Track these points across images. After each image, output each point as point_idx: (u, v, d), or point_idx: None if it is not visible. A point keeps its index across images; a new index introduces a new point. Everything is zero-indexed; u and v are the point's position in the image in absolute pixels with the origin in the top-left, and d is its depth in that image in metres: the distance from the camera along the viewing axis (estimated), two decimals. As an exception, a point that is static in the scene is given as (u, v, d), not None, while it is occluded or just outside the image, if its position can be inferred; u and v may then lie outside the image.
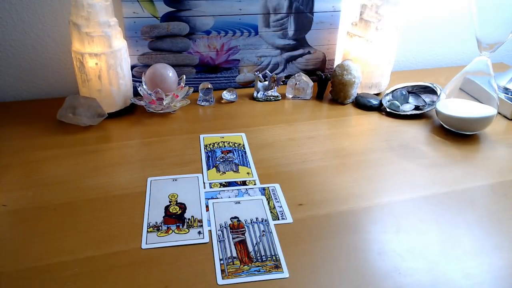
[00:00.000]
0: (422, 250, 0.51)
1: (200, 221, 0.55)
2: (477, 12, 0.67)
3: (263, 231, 0.54)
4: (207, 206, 0.58)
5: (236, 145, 0.72)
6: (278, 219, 0.56)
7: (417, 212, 0.58)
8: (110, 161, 0.67)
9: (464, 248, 0.52)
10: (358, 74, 0.84)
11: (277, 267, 0.49)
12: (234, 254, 0.50)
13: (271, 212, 0.57)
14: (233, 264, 0.49)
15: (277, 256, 0.50)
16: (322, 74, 0.88)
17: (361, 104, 0.85)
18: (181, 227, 0.54)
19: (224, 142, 0.72)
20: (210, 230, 0.53)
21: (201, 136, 0.74)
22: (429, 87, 0.85)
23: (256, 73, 0.90)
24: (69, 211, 0.56)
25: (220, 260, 0.49)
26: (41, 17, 0.81)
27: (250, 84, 0.93)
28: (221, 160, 0.68)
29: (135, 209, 0.57)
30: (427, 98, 0.85)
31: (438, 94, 0.82)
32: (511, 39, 0.68)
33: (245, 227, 0.54)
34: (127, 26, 0.82)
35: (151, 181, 0.62)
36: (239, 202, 0.59)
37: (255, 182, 0.63)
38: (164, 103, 0.78)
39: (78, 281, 0.46)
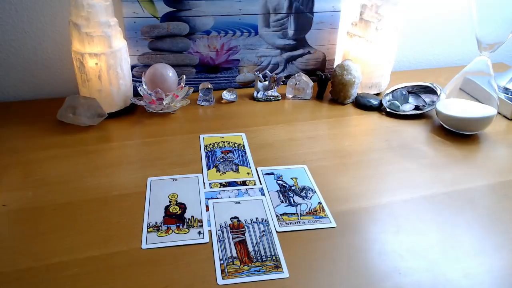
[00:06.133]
0: (422, 250, 0.52)
1: (200, 221, 0.55)
2: (477, 12, 0.68)
3: (263, 231, 0.54)
4: (207, 206, 0.58)
5: (236, 145, 0.72)
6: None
7: (417, 212, 0.58)
8: (110, 161, 0.67)
9: (464, 248, 0.52)
10: (358, 74, 0.84)
11: (277, 267, 0.49)
12: (234, 254, 0.50)
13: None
14: (233, 264, 0.49)
15: (277, 256, 0.50)
16: (322, 74, 0.88)
17: (361, 104, 0.85)
18: (181, 227, 0.54)
19: (224, 142, 0.72)
20: (210, 230, 0.53)
21: (201, 136, 0.74)
22: (429, 87, 0.85)
23: (256, 73, 0.90)
24: (69, 211, 0.56)
25: (220, 260, 0.49)
26: (41, 17, 0.81)
27: (250, 84, 0.93)
28: (221, 160, 0.68)
29: (135, 209, 0.57)
30: (427, 98, 0.85)
31: (438, 94, 0.82)
32: (511, 39, 0.68)
33: (245, 227, 0.54)
34: (127, 26, 0.82)
35: (151, 181, 0.62)
36: (239, 202, 0.59)
37: (255, 182, 0.63)
38: (164, 103, 0.78)
39: (78, 281, 0.46)
